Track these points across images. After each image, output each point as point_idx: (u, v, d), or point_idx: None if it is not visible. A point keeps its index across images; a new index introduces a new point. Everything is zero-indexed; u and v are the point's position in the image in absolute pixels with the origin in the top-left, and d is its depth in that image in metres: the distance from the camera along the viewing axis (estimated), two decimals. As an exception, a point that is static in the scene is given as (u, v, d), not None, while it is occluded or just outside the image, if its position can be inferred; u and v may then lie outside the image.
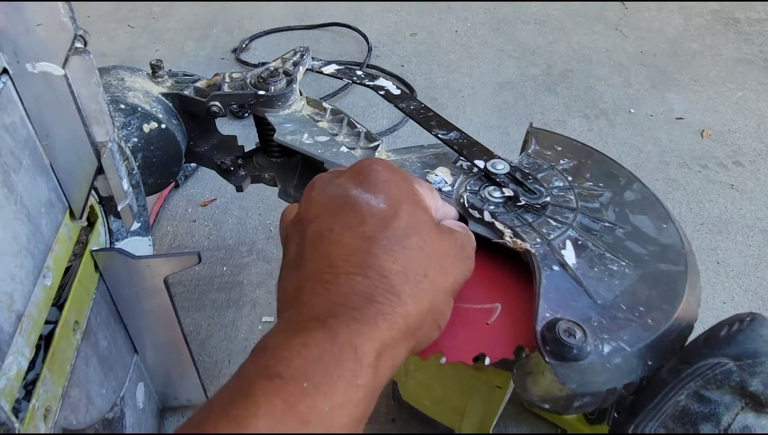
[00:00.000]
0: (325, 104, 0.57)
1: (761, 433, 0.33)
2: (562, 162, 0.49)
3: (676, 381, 0.35)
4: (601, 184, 0.47)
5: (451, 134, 0.50)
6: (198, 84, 0.58)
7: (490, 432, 0.55)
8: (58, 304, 0.41)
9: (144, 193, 0.55)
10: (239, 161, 0.62)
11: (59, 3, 0.31)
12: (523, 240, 0.41)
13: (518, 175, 0.45)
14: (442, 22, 1.39)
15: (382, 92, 0.57)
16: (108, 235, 0.49)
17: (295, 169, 0.59)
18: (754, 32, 1.33)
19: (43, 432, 0.35)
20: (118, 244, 0.52)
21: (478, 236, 0.41)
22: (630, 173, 0.49)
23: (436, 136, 0.51)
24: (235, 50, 1.29)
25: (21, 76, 0.32)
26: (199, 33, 1.37)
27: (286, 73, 0.56)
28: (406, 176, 0.35)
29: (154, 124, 0.54)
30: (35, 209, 0.34)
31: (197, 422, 0.24)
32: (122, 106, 0.53)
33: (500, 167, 0.46)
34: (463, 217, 0.43)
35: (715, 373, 0.34)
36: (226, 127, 1.04)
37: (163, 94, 0.56)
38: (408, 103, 0.55)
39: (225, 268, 0.81)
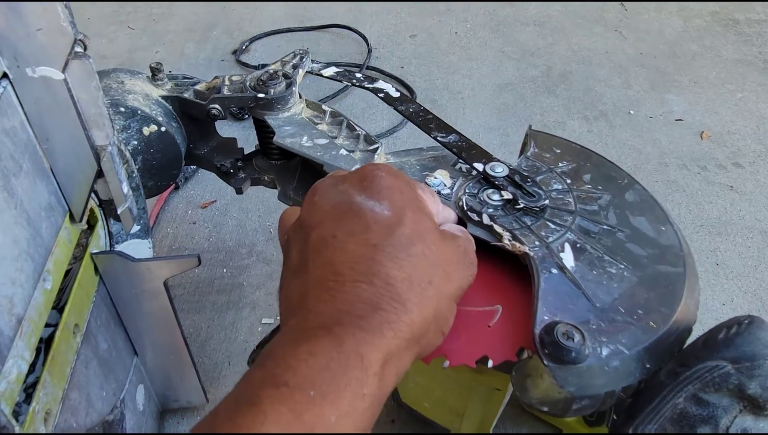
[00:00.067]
0: (324, 107, 0.57)
1: (759, 435, 0.34)
2: (560, 165, 0.49)
3: (675, 384, 0.35)
4: (599, 187, 0.47)
5: (450, 137, 0.50)
6: (198, 87, 0.58)
7: (490, 434, 0.55)
8: (59, 307, 0.41)
9: (144, 196, 0.55)
10: (239, 164, 0.62)
11: (59, 8, 0.31)
12: (521, 243, 0.41)
13: (517, 178, 0.45)
14: (442, 23, 1.40)
15: (381, 95, 0.57)
16: (108, 238, 0.50)
17: (294, 171, 0.59)
18: (753, 33, 1.33)
19: (43, 435, 0.35)
20: (118, 247, 0.52)
21: (477, 239, 0.41)
22: (629, 175, 0.49)
23: (435, 138, 0.51)
24: (235, 52, 1.29)
25: (21, 80, 0.32)
26: (199, 35, 1.38)
27: (286, 76, 0.57)
28: (410, 182, 0.35)
29: (153, 127, 0.54)
30: (35, 213, 0.35)
31: (204, 429, 0.24)
32: (122, 109, 0.53)
33: (499, 170, 0.46)
34: (462, 220, 0.43)
35: (713, 376, 0.34)
36: (226, 128, 1.04)
37: (163, 97, 0.57)
38: (407, 106, 0.55)
39: (225, 270, 0.81)
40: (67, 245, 0.40)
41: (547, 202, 0.44)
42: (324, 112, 0.57)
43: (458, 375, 0.50)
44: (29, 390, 0.36)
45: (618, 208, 0.45)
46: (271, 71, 0.57)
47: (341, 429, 0.25)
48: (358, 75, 0.60)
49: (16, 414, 0.33)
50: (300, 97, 0.58)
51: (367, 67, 1.22)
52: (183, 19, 1.44)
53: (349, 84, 0.60)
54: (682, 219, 0.86)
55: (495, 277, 0.41)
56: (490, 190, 0.45)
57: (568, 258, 0.40)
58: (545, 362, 0.34)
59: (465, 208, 0.44)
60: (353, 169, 0.49)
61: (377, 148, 0.52)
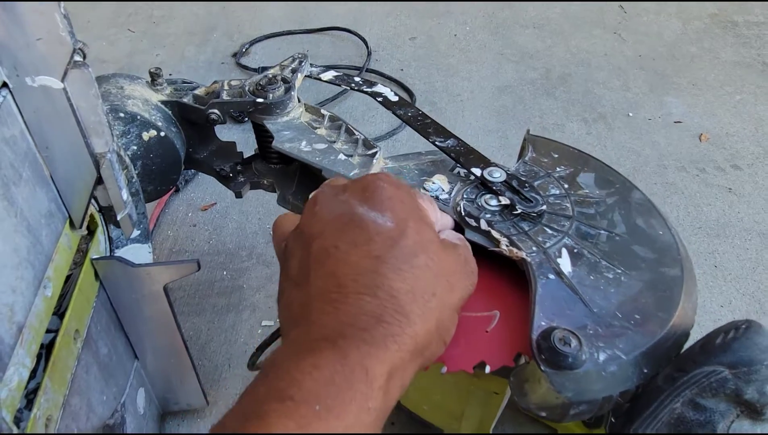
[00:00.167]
0: (323, 111, 0.57)
1: (756, 440, 0.34)
2: (558, 169, 0.49)
3: (672, 389, 0.35)
4: (597, 192, 0.47)
5: (449, 142, 0.51)
6: (197, 91, 0.58)
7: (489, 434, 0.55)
8: (59, 312, 0.41)
9: (143, 201, 0.56)
10: (238, 167, 0.62)
11: (58, 18, 0.31)
12: (519, 248, 0.41)
13: (515, 183, 0.45)
14: (442, 26, 1.40)
15: (380, 99, 0.57)
16: (108, 243, 0.50)
17: (293, 175, 0.60)
18: (752, 36, 1.33)
19: (43, 441, 0.35)
20: (118, 252, 0.52)
21: (474, 245, 0.41)
22: (626, 180, 0.49)
23: (433, 143, 0.51)
24: (235, 55, 1.30)
25: (21, 89, 0.32)
26: (200, 37, 1.38)
27: (285, 81, 0.57)
28: (410, 191, 0.35)
29: (153, 132, 0.54)
30: (35, 221, 0.35)
31: None
32: (121, 115, 0.53)
33: (497, 175, 0.46)
34: (460, 226, 0.44)
35: (711, 381, 0.34)
36: (225, 131, 1.04)
37: (162, 102, 0.57)
38: (406, 110, 0.55)
39: (225, 273, 0.81)
40: (68, 251, 0.40)
41: (544, 207, 0.44)
42: (323, 116, 0.57)
43: (456, 379, 0.50)
44: (30, 396, 0.36)
45: (615, 213, 0.45)
46: (270, 76, 0.57)
47: None
48: (357, 79, 0.60)
49: (18, 420, 0.33)
50: (299, 101, 0.58)
51: (367, 70, 1.22)
52: (183, 22, 1.44)
53: (348, 88, 0.60)
54: (680, 221, 0.87)
55: (492, 283, 0.41)
56: (488, 196, 0.45)
57: (565, 263, 0.40)
58: (542, 368, 0.34)
59: (463, 213, 0.44)
60: (352, 174, 0.50)
61: (376, 152, 0.52)
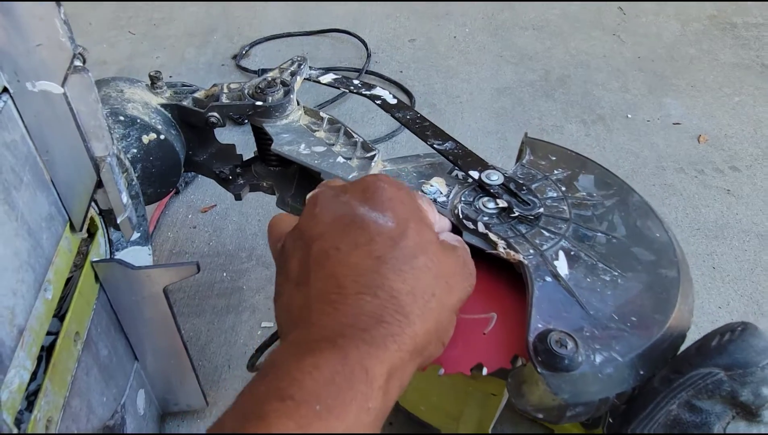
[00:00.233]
0: (322, 114, 0.58)
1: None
2: (556, 172, 0.49)
3: (668, 390, 0.36)
4: (594, 194, 0.47)
5: (447, 144, 0.51)
6: (196, 95, 0.58)
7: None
8: (59, 315, 0.41)
9: (143, 203, 0.56)
10: (237, 170, 0.62)
11: (58, 23, 0.31)
12: (516, 251, 0.41)
13: (512, 186, 0.46)
14: (441, 28, 1.40)
15: (378, 102, 0.58)
16: (108, 246, 0.50)
17: (292, 178, 0.60)
18: (751, 37, 1.33)
19: (44, 442, 0.35)
20: (118, 254, 0.52)
21: (472, 247, 0.41)
22: (623, 182, 0.49)
23: (431, 146, 0.51)
24: (235, 57, 1.30)
25: (21, 94, 0.33)
26: (200, 39, 1.38)
27: (284, 84, 0.57)
28: (410, 192, 0.35)
29: (153, 135, 0.55)
30: (36, 224, 0.35)
31: None
32: (121, 118, 0.53)
33: (494, 178, 0.47)
34: (457, 228, 0.44)
35: (707, 383, 0.35)
36: (225, 133, 1.05)
37: (162, 105, 0.57)
38: (404, 113, 0.56)
39: (225, 274, 0.82)
40: (68, 254, 0.40)
41: (541, 210, 0.44)
42: (322, 119, 0.57)
43: (454, 380, 0.50)
44: (31, 398, 0.36)
45: (613, 216, 0.45)
46: (269, 79, 0.57)
47: None
48: (356, 82, 0.60)
49: (18, 422, 0.33)
50: (298, 104, 0.58)
51: (367, 72, 1.23)
52: (183, 24, 1.45)
53: (347, 91, 0.60)
54: (679, 222, 0.87)
55: (490, 285, 0.42)
56: (486, 198, 0.46)
57: (562, 266, 0.41)
58: (539, 370, 0.35)
59: (460, 216, 0.44)
60: (350, 177, 0.50)
61: (374, 155, 0.52)
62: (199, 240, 0.87)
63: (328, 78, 0.62)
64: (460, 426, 0.55)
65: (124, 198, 0.43)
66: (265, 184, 0.62)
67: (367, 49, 1.29)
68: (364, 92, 0.59)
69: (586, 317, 0.38)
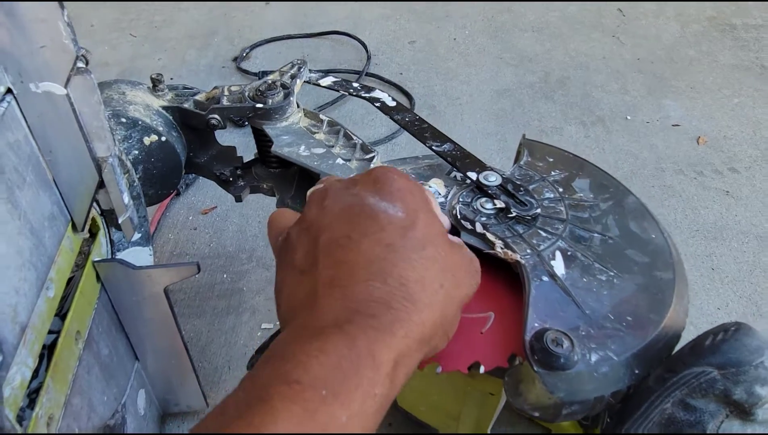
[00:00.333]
0: (321, 116, 0.58)
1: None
2: (553, 173, 0.50)
3: (662, 389, 0.36)
4: (591, 195, 0.48)
5: (445, 146, 0.51)
6: (197, 97, 0.59)
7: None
8: (61, 314, 0.42)
9: (144, 204, 0.56)
10: (238, 172, 0.63)
11: (61, 25, 0.32)
12: (513, 251, 0.42)
13: (510, 187, 0.46)
14: (441, 30, 1.41)
15: (377, 104, 0.58)
16: (109, 246, 0.51)
17: (292, 179, 0.60)
18: (750, 39, 1.33)
19: (45, 440, 0.36)
20: (120, 255, 0.53)
21: (470, 247, 0.41)
22: (620, 184, 0.50)
23: (430, 147, 0.52)
24: (235, 59, 1.31)
25: (25, 95, 0.33)
26: (201, 42, 1.39)
27: (284, 86, 0.58)
28: (419, 185, 0.35)
29: (154, 137, 0.55)
30: (38, 223, 0.36)
31: (215, 427, 0.24)
32: (123, 120, 0.54)
33: (492, 179, 0.47)
34: (455, 228, 0.44)
35: (700, 381, 0.35)
36: (226, 135, 1.05)
37: (164, 108, 0.58)
38: (403, 115, 0.56)
39: (225, 276, 0.82)
40: (70, 254, 0.41)
41: (538, 210, 0.45)
42: (321, 121, 0.58)
43: (453, 380, 0.51)
44: (32, 395, 0.37)
45: (609, 217, 0.46)
46: (270, 81, 0.58)
47: (351, 429, 0.25)
48: (355, 84, 0.61)
49: (20, 419, 0.34)
50: (298, 106, 0.59)
51: (367, 74, 1.23)
52: (184, 26, 1.46)
53: (347, 94, 0.61)
54: (677, 224, 0.87)
55: (487, 285, 0.42)
56: (484, 199, 0.46)
57: (558, 266, 0.41)
58: (535, 368, 0.35)
59: (458, 216, 0.45)
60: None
61: (374, 156, 0.53)
62: (200, 241, 0.88)
63: (328, 81, 0.62)
64: (459, 426, 0.55)
65: (126, 198, 0.44)
66: (265, 185, 0.63)
67: (366, 51, 1.29)
68: (363, 95, 0.60)
69: (582, 317, 0.38)
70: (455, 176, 0.50)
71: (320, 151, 0.53)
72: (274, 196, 0.62)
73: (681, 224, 0.87)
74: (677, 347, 0.39)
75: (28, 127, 0.34)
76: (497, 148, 1.03)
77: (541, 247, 0.42)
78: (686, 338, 0.39)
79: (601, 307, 0.39)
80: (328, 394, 0.24)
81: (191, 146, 0.62)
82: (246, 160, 0.65)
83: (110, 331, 0.50)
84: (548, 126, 1.09)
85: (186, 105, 0.58)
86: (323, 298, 0.29)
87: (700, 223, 0.87)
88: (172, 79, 1.25)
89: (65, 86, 0.34)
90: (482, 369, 0.37)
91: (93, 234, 0.48)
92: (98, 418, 0.46)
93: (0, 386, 0.30)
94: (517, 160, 0.53)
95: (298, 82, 0.59)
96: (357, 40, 1.34)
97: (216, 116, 0.56)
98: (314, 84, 0.62)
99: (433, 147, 0.52)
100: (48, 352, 0.39)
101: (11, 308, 0.32)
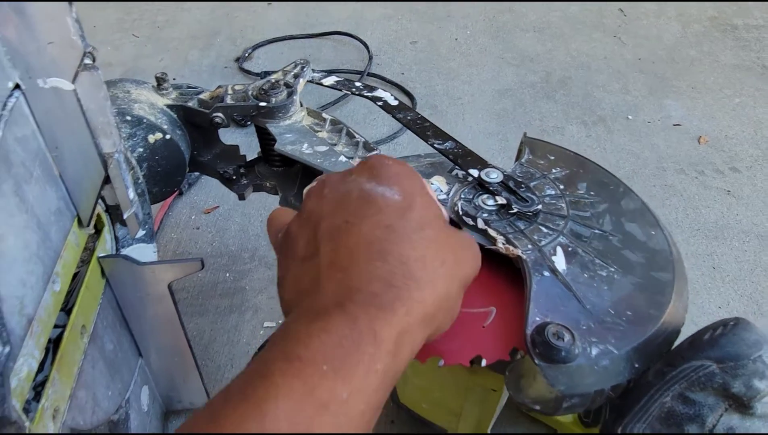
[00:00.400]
0: (324, 115, 0.58)
1: (745, 434, 0.34)
2: (554, 171, 0.50)
3: (662, 383, 0.36)
4: (592, 193, 0.48)
5: (447, 144, 0.52)
6: (201, 96, 0.59)
7: (487, 434, 0.56)
8: (66, 308, 0.42)
9: (149, 202, 0.57)
10: (241, 170, 0.63)
11: (69, 22, 0.32)
12: (515, 246, 0.42)
13: (511, 184, 0.47)
14: (442, 30, 1.41)
15: (380, 103, 0.59)
16: (114, 242, 0.51)
17: (295, 178, 0.61)
18: (751, 39, 1.34)
19: (51, 431, 0.36)
20: (124, 251, 0.53)
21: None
22: (620, 182, 0.50)
23: (432, 145, 0.52)
24: (238, 59, 1.31)
25: (33, 91, 0.34)
26: (203, 42, 1.40)
27: (287, 85, 0.58)
28: (415, 171, 0.35)
29: (159, 135, 0.56)
30: (45, 217, 0.36)
31: (217, 404, 0.25)
32: (128, 118, 0.54)
33: (494, 176, 0.47)
34: (456, 224, 0.45)
35: (699, 375, 0.35)
36: (229, 135, 1.06)
37: (168, 106, 0.58)
38: (405, 114, 0.57)
39: (228, 275, 0.83)
40: (75, 249, 0.41)
41: (540, 207, 0.45)
42: (324, 119, 0.58)
43: (455, 376, 0.51)
44: (38, 389, 0.37)
45: (609, 213, 0.46)
46: (273, 81, 0.58)
47: (353, 405, 0.25)
48: (358, 84, 0.61)
49: (26, 411, 0.34)
50: (301, 105, 0.59)
51: (368, 74, 1.24)
52: (187, 27, 1.46)
53: (349, 93, 0.61)
54: (679, 223, 0.87)
55: (489, 280, 0.42)
56: (485, 196, 0.46)
57: (559, 261, 0.41)
58: (536, 361, 0.35)
59: (460, 212, 0.45)
60: None
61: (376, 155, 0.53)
62: (203, 241, 0.88)
63: (330, 80, 0.63)
64: (461, 422, 0.56)
65: (131, 194, 0.44)
66: (268, 184, 0.63)
67: (368, 51, 1.30)
68: (365, 94, 0.60)
69: (583, 311, 0.38)
70: (457, 174, 0.50)
71: (323, 149, 0.54)
72: (277, 194, 0.62)
73: (682, 223, 0.87)
74: (677, 343, 0.39)
75: (36, 122, 0.35)
76: (499, 147, 1.04)
77: (543, 243, 0.43)
78: (686, 335, 0.40)
79: (602, 302, 0.39)
80: (328, 370, 0.24)
81: (195, 145, 0.62)
82: (249, 159, 0.65)
83: (115, 327, 0.50)
84: (550, 125, 1.09)
85: (190, 103, 0.58)
86: (326, 281, 0.29)
87: (701, 222, 0.88)
88: (174, 79, 1.25)
89: (73, 82, 0.35)
90: (484, 362, 0.38)
91: (98, 230, 0.49)
92: (102, 413, 0.47)
93: (8, 377, 0.30)
94: (518, 158, 0.53)
95: (301, 81, 0.60)
96: (359, 40, 1.34)
97: (220, 114, 0.57)
98: (317, 83, 0.63)
99: (435, 145, 0.52)
100: (53, 346, 0.40)
101: (18, 300, 0.32)
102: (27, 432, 0.33)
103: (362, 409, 0.25)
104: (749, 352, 0.34)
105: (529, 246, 0.42)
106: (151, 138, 0.56)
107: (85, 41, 0.34)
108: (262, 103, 0.56)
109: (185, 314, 0.77)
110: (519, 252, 0.42)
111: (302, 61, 0.62)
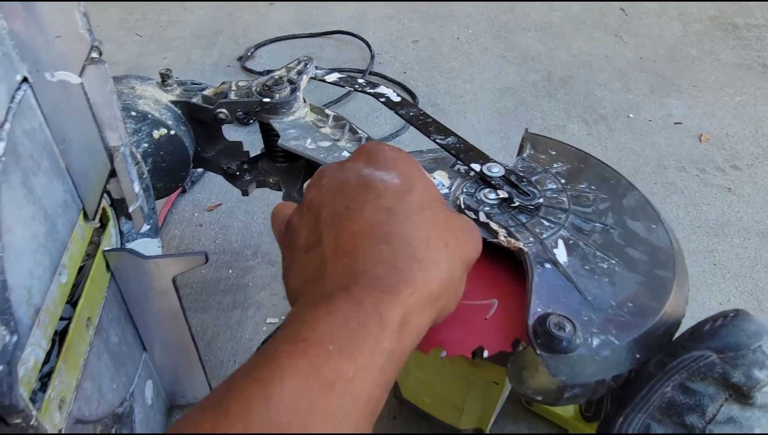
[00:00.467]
0: (327, 111, 0.59)
1: (744, 425, 0.35)
2: (555, 165, 0.50)
3: (663, 373, 0.37)
4: (593, 187, 0.48)
5: (449, 139, 0.52)
6: (205, 92, 0.60)
7: (489, 427, 0.57)
8: (72, 301, 0.43)
9: (153, 197, 0.57)
10: (245, 166, 0.64)
11: (77, 15, 0.33)
12: (516, 239, 0.42)
13: (513, 178, 0.47)
14: (444, 29, 1.42)
15: (383, 99, 0.59)
16: (119, 237, 0.51)
17: (298, 173, 0.61)
18: (752, 38, 1.34)
19: (57, 421, 0.37)
20: (129, 245, 0.54)
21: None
22: (621, 176, 0.50)
23: (434, 141, 0.52)
24: (240, 58, 1.32)
25: (40, 84, 0.34)
26: (206, 41, 1.40)
27: (290, 82, 0.58)
28: (411, 157, 0.36)
29: (163, 131, 0.56)
30: (52, 209, 0.36)
31: (224, 387, 0.25)
32: (133, 114, 0.55)
33: (495, 170, 0.48)
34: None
35: (699, 365, 0.36)
36: (232, 133, 1.06)
37: (172, 102, 0.59)
38: (408, 110, 0.57)
39: (231, 271, 0.83)
40: (81, 242, 0.42)
41: (541, 200, 0.45)
42: (327, 115, 0.59)
43: (457, 369, 0.51)
44: (44, 379, 0.37)
45: (610, 207, 0.47)
46: (277, 77, 0.59)
47: (359, 384, 0.25)
48: (360, 81, 0.62)
49: (32, 401, 0.35)
50: (304, 101, 0.59)
51: (370, 73, 1.24)
52: (190, 26, 1.47)
53: (352, 89, 0.61)
54: (680, 220, 0.88)
55: (491, 273, 0.43)
56: (487, 190, 0.47)
57: (561, 253, 0.42)
58: (538, 351, 0.36)
59: (462, 206, 0.45)
60: None
61: (378, 149, 0.53)
62: (206, 238, 0.89)
63: (333, 77, 0.63)
64: (463, 416, 0.56)
65: (136, 187, 0.45)
66: (271, 180, 0.63)
67: (370, 50, 1.30)
68: (368, 90, 0.61)
69: (584, 302, 0.39)
70: (459, 169, 0.51)
71: (326, 144, 0.54)
72: (281, 190, 0.63)
73: (683, 221, 0.88)
74: (677, 334, 0.40)
75: (43, 115, 0.35)
76: (500, 145, 1.04)
77: (544, 236, 0.43)
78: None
79: (603, 294, 0.40)
80: (334, 349, 0.25)
81: (199, 141, 0.63)
82: (252, 155, 0.66)
83: (119, 320, 0.50)
84: (551, 124, 1.09)
85: (194, 99, 0.59)
86: (331, 268, 0.29)
87: (702, 219, 0.88)
88: (177, 77, 1.26)
89: (80, 75, 0.35)
90: (486, 354, 0.38)
91: (103, 224, 0.49)
92: (107, 405, 0.47)
93: (15, 366, 0.31)
94: (520, 153, 0.53)
95: (305, 77, 0.60)
96: (361, 39, 1.35)
97: (224, 110, 0.57)
98: (320, 80, 0.63)
99: (437, 140, 0.52)
100: (60, 337, 0.40)
101: (26, 290, 0.32)
102: (34, 421, 0.33)
103: (368, 390, 0.25)
104: (749, 342, 0.35)
105: (531, 239, 0.43)
106: (156, 133, 0.56)
107: (92, 35, 0.35)
108: (266, 99, 0.57)
109: (188, 310, 0.77)
110: (521, 244, 0.42)
111: (305, 58, 0.62)
